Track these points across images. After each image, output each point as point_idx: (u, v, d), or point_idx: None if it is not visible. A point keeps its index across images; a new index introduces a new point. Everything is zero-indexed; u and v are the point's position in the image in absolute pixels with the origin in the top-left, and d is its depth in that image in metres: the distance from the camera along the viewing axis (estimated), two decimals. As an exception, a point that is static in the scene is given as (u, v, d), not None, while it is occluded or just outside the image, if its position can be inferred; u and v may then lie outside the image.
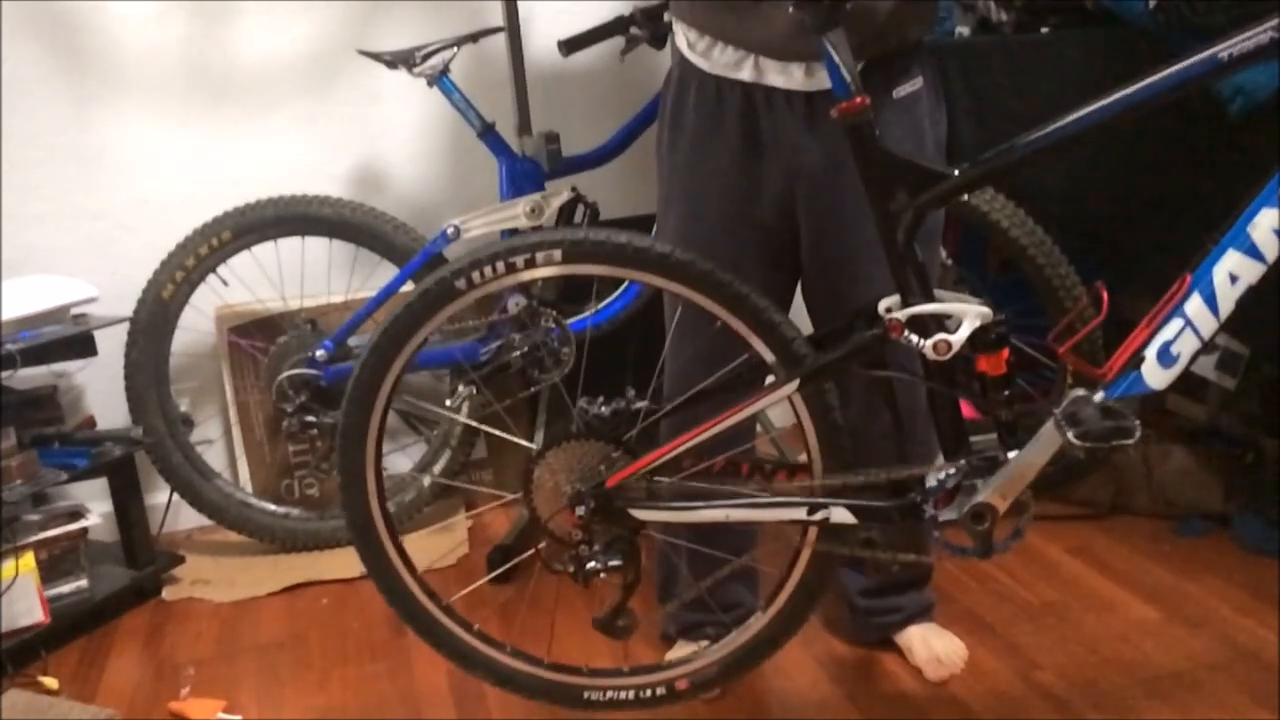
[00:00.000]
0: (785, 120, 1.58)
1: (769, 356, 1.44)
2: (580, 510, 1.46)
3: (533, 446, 1.49)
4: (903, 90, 1.58)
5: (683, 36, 1.66)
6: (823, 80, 1.42)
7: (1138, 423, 1.33)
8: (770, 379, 1.46)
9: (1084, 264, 2.21)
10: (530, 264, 1.42)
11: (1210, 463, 2.29)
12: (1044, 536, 2.24)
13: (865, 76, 1.44)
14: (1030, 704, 1.75)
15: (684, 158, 1.67)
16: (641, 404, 1.48)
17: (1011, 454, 1.41)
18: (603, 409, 1.47)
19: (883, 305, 1.40)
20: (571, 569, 1.50)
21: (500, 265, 1.41)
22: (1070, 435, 1.33)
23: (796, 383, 1.41)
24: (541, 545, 1.51)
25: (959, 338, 1.36)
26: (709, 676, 1.62)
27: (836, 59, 1.34)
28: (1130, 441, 1.32)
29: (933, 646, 1.84)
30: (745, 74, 1.58)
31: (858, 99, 1.34)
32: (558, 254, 1.41)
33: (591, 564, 1.49)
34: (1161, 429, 2.36)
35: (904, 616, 1.89)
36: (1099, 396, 1.36)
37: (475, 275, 1.42)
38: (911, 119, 1.59)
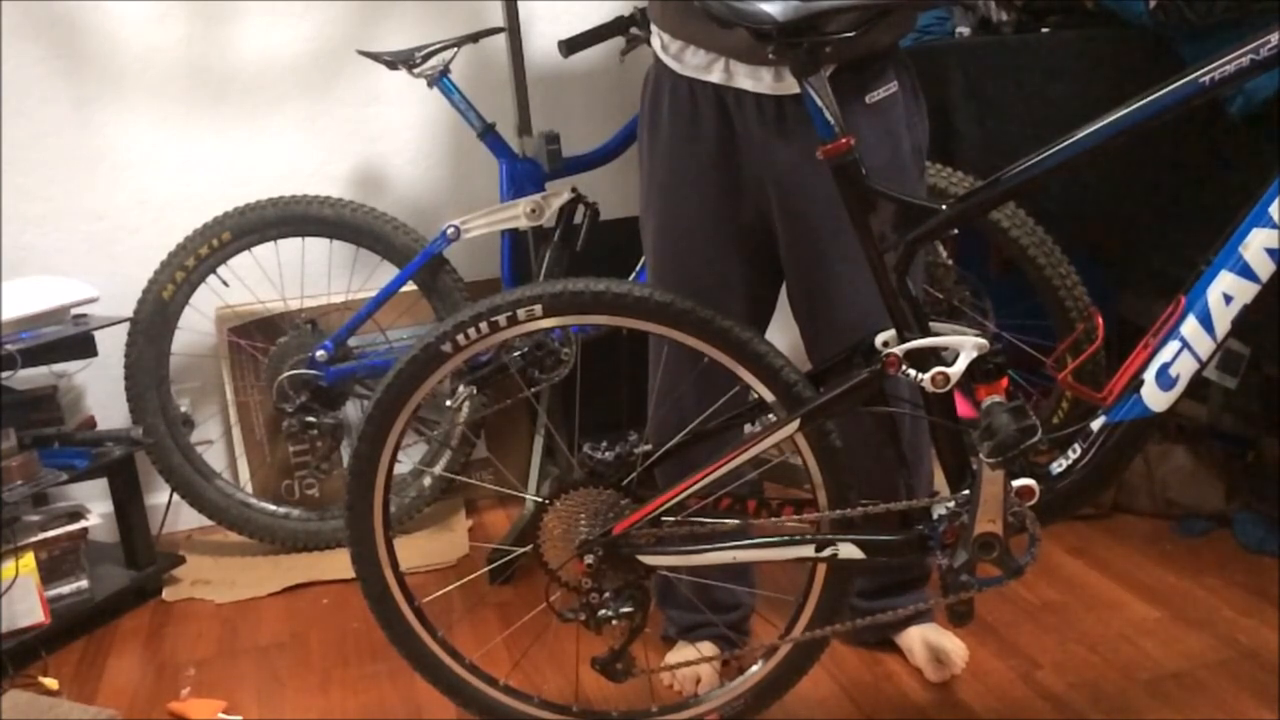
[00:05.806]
0: (756, 123, 1.57)
1: (765, 392, 1.44)
2: (589, 559, 1.46)
3: (531, 496, 1.48)
4: (876, 95, 1.56)
5: (658, 39, 1.66)
6: (791, 85, 1.40)
7: (1035, 421, 1.32)
8: (770, 416, 1.45)
9: (1085, 263, 2.21)
10: (513, 321, 1.43)
11: (1210, 463, 2.29)
12: (1044, 536, 2.22)
13: (836, 81, 1.44)
14: (1030, 704, 1.75)
15: (662, 159, 1.66)
16: (645, 448, 1.48)
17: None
18: (606, 454, 1.47)
19: (879, 340, 1.39)
20: (583, 617, 1.49)
21: (484, 325, 1.44)
22: (984, 454, 1.33)
23: (797, 422, 1.40)
24: (554, 597, 1.51)
25: (956, 370, 1.35)
26: (738, 709, 1.61)
27: (819, 102, 1.33)
28: (1035, 439, 1.32)
29: (933, 647, 1.84)
30: (715, 76, 1.57)
31: (843, 140, 1.34)
32: (538, 309, 1.43)
33: (603, 611, 1.48)
34: (1162, 429, 2.35)
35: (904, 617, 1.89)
36: (1099, 422, 1.36)
37: (460, 337, 1.45)
38: (885, 124, 1.58)
